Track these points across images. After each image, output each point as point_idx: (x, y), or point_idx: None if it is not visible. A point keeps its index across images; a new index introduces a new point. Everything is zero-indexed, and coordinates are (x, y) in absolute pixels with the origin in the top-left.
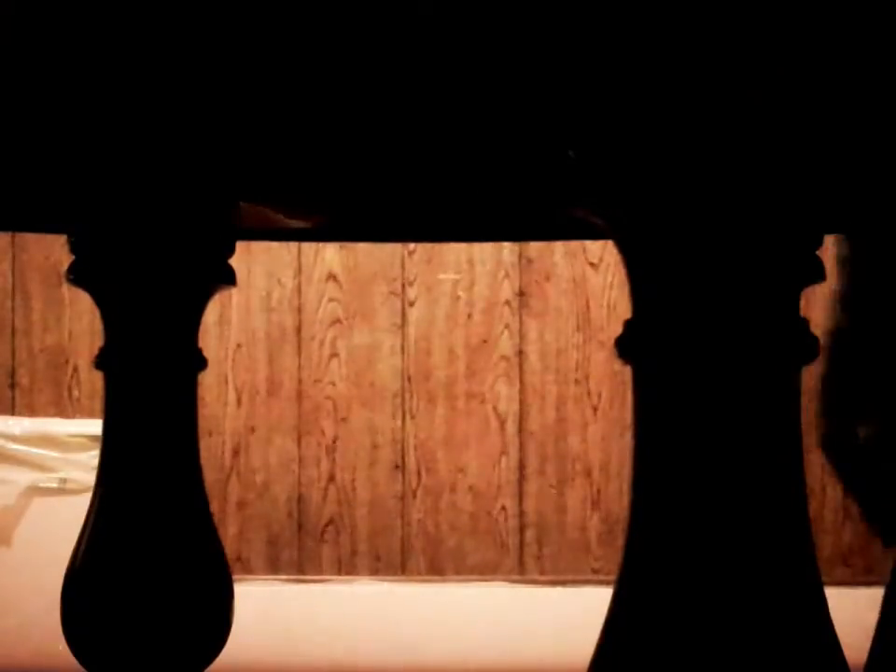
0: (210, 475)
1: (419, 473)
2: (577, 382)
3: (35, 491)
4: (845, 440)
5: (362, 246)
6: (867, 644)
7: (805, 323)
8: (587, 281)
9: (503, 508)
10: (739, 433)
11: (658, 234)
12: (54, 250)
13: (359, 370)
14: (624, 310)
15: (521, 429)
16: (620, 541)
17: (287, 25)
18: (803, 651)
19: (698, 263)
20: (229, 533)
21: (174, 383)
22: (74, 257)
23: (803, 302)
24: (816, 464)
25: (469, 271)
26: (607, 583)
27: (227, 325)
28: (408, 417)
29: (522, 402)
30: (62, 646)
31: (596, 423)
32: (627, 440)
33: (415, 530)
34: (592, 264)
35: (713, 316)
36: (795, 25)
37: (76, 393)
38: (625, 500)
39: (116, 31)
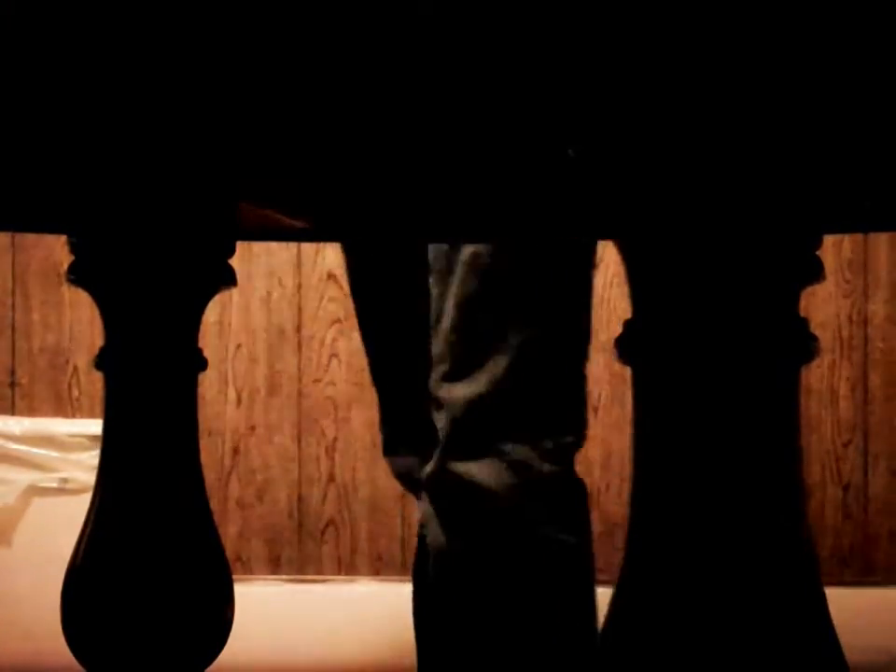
0: (210, 475)
1: None
2: None
3: (35, 491)
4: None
5: None
6: (867, 644)
7: (804, 323)
8: None
9: None
10: (739, 433)
11: (658, 235)
12: (54, 250)
13: (359, 370)
14: (624, 310)
15: None
16: (619, 541)
17: (286, 27)
18: (803, 651)
19: (698, 264)
20: (229, 533)
21: (174, 383)
22: (74, 257)
23: (803, 303)
24: (816, 464)
25: None
26: (607, 583)
27: (227, 325)
28: None
29: None
30: (62, 646)
31: (596, 423)
32: (627, 439)
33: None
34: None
35: (713, 317)
36: (792, 30)
37: (76, 393)
38: (625, 500)
39: (117, 33)
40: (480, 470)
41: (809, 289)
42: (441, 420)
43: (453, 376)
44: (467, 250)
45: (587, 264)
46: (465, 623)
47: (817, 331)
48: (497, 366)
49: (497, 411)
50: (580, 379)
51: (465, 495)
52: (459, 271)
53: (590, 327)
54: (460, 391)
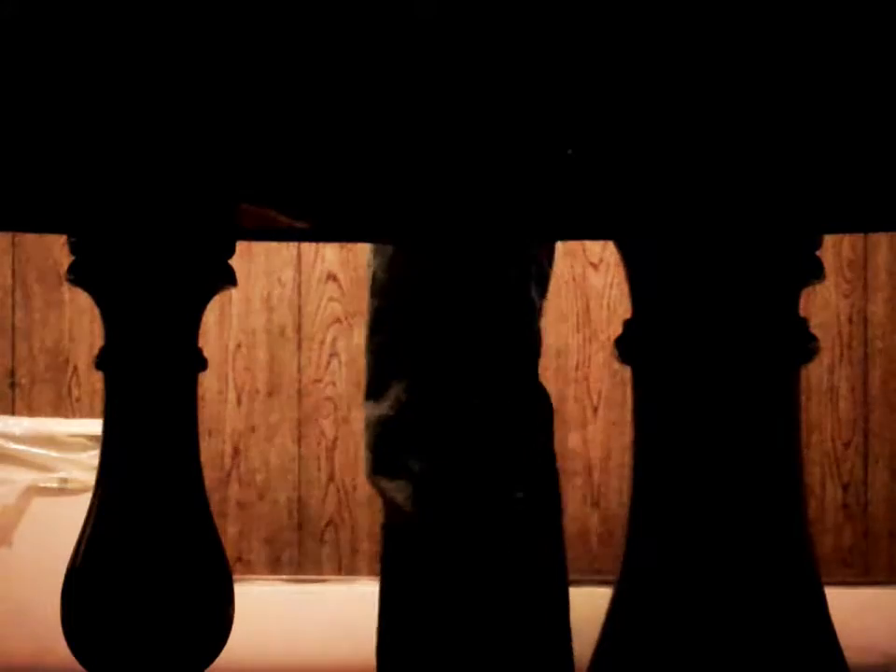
0: (210, 475)
1: None
2: (577, 382)
3: (35, 491)
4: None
5: (362, 246)
6: (867, 644)
7: (804, 323)
8: (587, 281)
9: None
10: (739, 433)
11: (657, 235)
12: (54, 250)
13: (359, 370)
14: (624, 310)
15: None
16: (620, 541)
17: (285, 29)
18: (803, 651)
19: (698, 264)
20: (229, 533)
21: (174, 383)
22: (74, 257)
23: (803, 303)
24: (816, 464)
25: None
26: (607, 583)
27: (227, 325)
28: None
29: None
30: (62, 646)
31: (596, 423)
32: (627, 439)
33: None
34: (592, 264)
35: (713, 317)
36: (791, 31)
37: (76, 393)
38: (625, 500)
39: (117, 34)
40: (396, 491)
41: (809, 289)
42: (365, 438)
43: (368, 396)
44: (371, 272)
45: (517, 275)
46: (390, 642)
47: (817, 331)
48: (398, 387)
49: (401, 432)
50: (492, 391)
51: (387, 512)
52: (370, 293)
53: (523, 337)
54: (373, 411)
